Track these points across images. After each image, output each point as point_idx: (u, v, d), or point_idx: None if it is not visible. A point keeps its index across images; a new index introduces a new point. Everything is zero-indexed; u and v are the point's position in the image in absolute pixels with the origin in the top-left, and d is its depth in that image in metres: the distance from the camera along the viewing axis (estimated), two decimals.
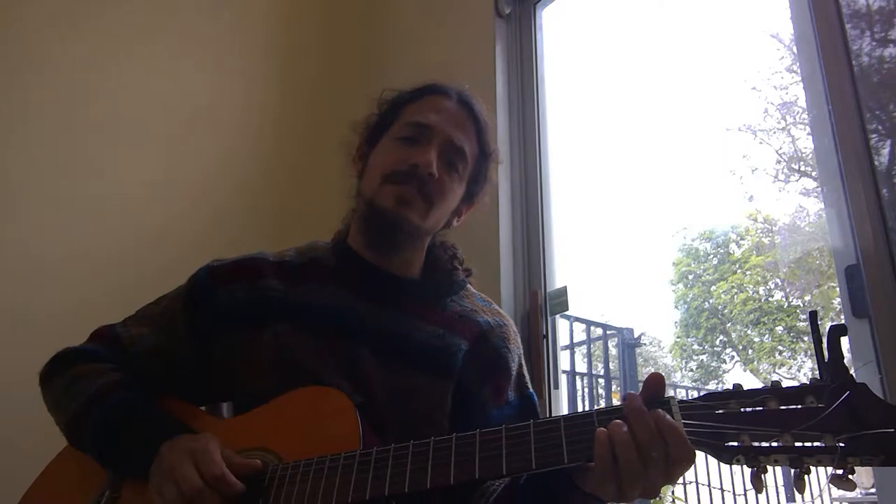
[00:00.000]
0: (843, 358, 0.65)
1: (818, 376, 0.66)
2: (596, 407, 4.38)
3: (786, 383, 0.68)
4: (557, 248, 1.94)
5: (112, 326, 1.09)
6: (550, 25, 2.19)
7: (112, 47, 2.05)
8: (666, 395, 0.72)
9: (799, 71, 1.46)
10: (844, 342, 0.67)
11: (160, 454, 0.86)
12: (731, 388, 0.69)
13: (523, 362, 1.11)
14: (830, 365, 0.65)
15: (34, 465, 1.03)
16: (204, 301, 1.05)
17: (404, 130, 1.05)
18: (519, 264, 1.92)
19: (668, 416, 0.68)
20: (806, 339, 9.14)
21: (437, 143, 1.03)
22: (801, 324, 9.31)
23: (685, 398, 0.70)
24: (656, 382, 0.73)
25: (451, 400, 0.99)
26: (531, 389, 1.09)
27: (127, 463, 0.92)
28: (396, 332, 1.01)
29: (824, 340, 0.65)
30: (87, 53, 2.00)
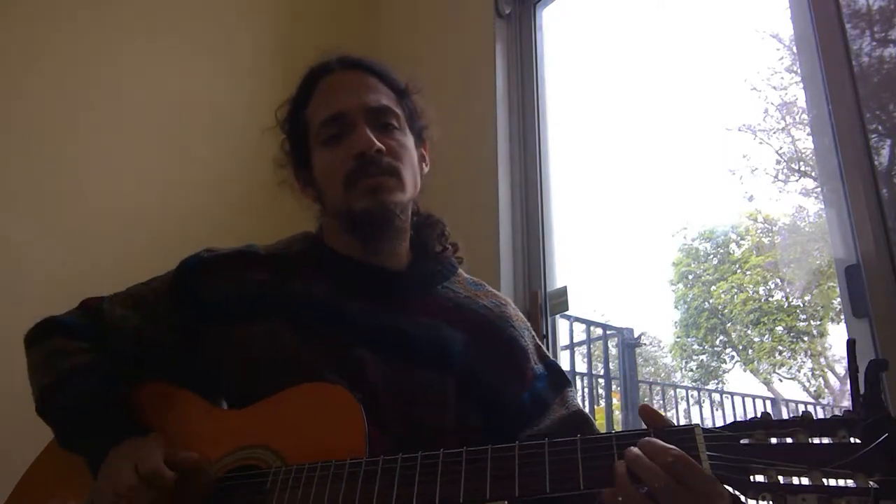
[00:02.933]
0: (881, 392, 0.61)
1: (833, 400, 0.63)
2: (596, 407, 4.32)
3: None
4: (557, 248, 1.94)
5: (101, 300, 1.07)
6: (550, 25, 2.19)
7: (113, 47, 2.05)
8: (691, 424, 0.69)
9: (799, 71, 1.46)
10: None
11: (107, 458, 0.87)
12: (758, 416, 0.66)
13: (534, 334, 1.09)
14: (867, 399, 0.61)
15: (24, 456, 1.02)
16: (190, 293, 1.03)
17: (323, 132, 1.00)
18: (519, 264, 1.92)
19: (673, 451, 0.63)
20: (806, 338, 9.13)
21: (361, 120, 0.98)
22: (801, 324, 9.30)
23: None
24: (650, 415, 0.69)
25: (466, 395, 0.96)
26: (552, 358, 1.07)
27: (81, 454, 0.93)
28: (390, 328, 0.98)
29: (861, 372, 0.62)
30: (87, 53, 2.00)
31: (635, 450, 0.65)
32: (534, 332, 1.09)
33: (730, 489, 0.63)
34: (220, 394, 1.03)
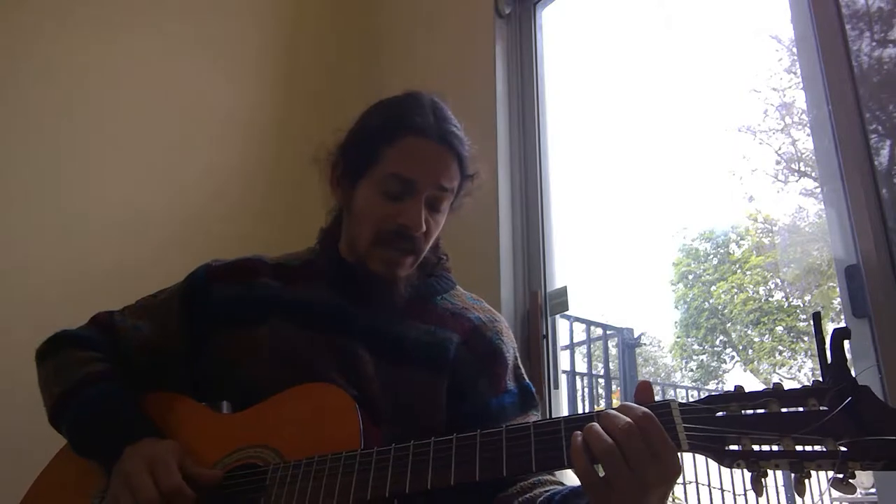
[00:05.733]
0: (846, 360, 0.64)
1: (821, 378, 0.65)
2: (596, 408, 4.38)
3: (786, 384, 0.67)
4: (557, 248, 1.94)
5: (111, 313, 1.11)
6: (550, 25, 2.19)
7: (114, 46, 2.05)
8: (666, 398, 0.71)
9: (799, 72, 1.46)
10: (843, 342, 0.66)
11: (122, 457, 0.87)
12: (732, 389, 0.69)
13: (518, 356, 1.12)
14: (833, 367, 0.64)
15: (34, 464, 1.03)
16: (200, 299, 1.07)
17: (388, 184, 1.00)
18: (519, 265, 1.92)
19: (641, 408, 0.68)
20: (806, 338, 9.14)
21: (423, 197, 1.00)
22: (802, 324, 9.31)
23: (686, 400, 0.69)
24: (644, 390, 0.73)
25: (448, 393, 1.00)
26: (528, 381, 1.10)
27: (96, 457, 0.94)
28: (389, 331, 1.02)
29: (827, 342, 0.65)
30: (88, 53, 1.99)
31: (609, 409, 0.70)
32: (518, 354, 1.13)
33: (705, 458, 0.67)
34: (222, 397, 1.05)
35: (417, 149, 1.01)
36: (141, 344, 1.06)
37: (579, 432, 0.69)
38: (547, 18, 2.19)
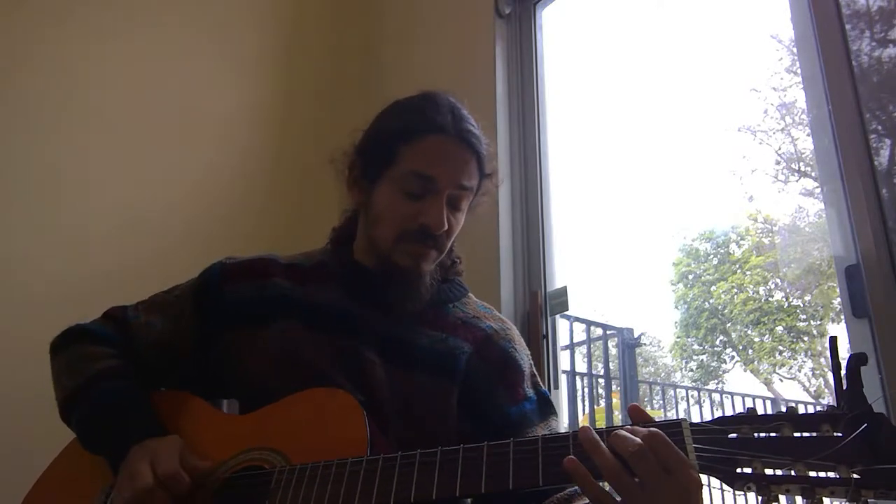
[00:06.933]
0: (861, 386, 0.63)
1: (834, 400, 0.64)
2: (596, 407, 4.34)
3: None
4: (557, 248, 1.95)
5: (124, 308, 1.11)
6: (550, 25, 2.19)
7: (115, 46, 2.05)
8: (679, 418, 0.70)
9: (799, 72, 1.46)
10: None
11: (128, 455, 0.88)
12: (744, 411, 0.68)
13: (532, 363, 1.12)
14: (848, 393, 0.63)
15: (35, 464, 1.03)
16: (213, 297, 1.07)
17: (408, 182, 0.99)
18: (519, 265, 1.92)
19: (648, 427, 0.66)
20: (806, 338, 9.14)
21: (444, 196, 1.00)
22: (801, 324, 9.30)
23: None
24: (637, 411, 0.71)
25: (462, 404, 1.00)
26: (544, 388, 1.10)
27: (103, 454, 0.95)
28: (400, 336, 1.02)
29: (843, 367, 0.64)
30: (90, 52, 1.99)
31: (618, 430, 0.68)
32: (532, 361, 1.12)
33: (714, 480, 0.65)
34: (229, 395, 1.06)
35: (437, 147, 1.01)
36: (153, 341, 1.06)
37: (573, 457, 0.68)
38: (547, 18, 2.19)
